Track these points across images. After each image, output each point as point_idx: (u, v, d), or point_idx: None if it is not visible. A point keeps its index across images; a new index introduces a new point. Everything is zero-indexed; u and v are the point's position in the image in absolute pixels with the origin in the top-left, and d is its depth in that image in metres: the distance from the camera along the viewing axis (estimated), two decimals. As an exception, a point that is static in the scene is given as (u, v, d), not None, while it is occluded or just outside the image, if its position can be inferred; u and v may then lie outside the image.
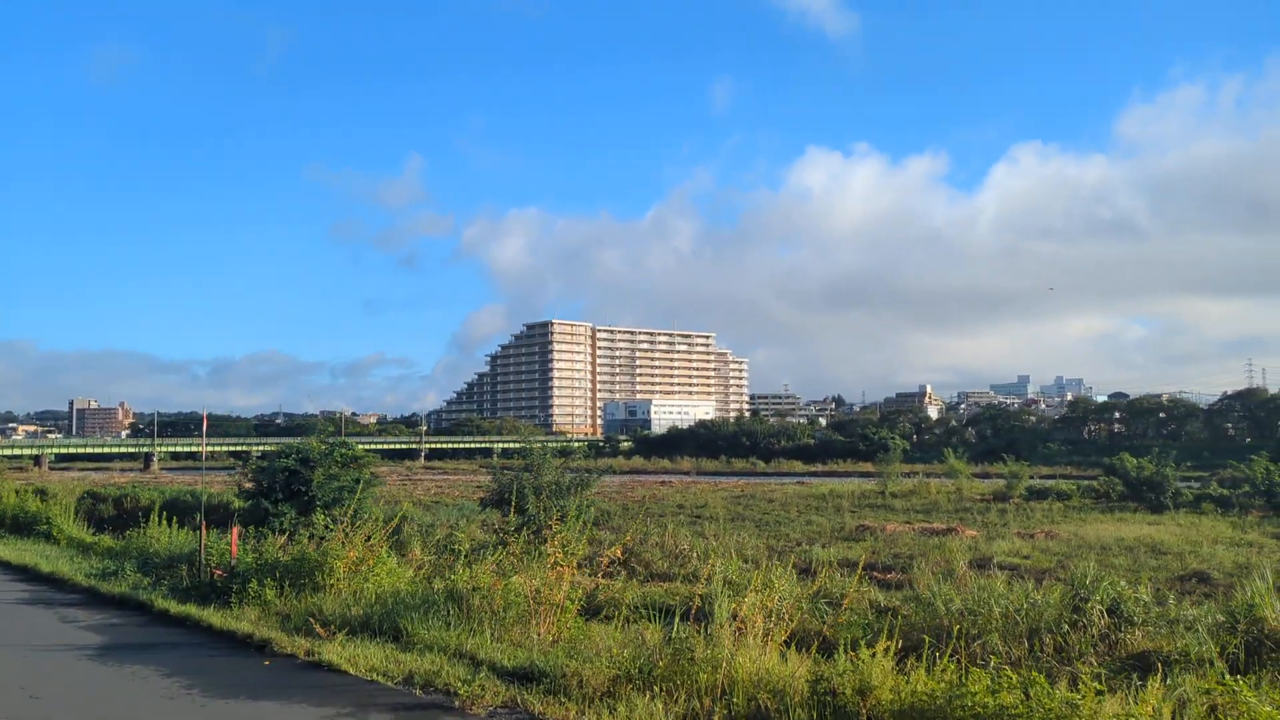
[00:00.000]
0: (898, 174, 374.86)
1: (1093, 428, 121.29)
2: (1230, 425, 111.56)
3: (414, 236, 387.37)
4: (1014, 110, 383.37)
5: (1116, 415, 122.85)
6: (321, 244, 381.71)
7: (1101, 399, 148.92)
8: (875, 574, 21.44)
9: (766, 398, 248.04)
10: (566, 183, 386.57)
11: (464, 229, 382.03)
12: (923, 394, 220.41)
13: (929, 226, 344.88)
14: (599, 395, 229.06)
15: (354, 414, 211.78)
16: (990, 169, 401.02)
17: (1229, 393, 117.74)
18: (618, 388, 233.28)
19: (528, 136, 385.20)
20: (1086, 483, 49.04)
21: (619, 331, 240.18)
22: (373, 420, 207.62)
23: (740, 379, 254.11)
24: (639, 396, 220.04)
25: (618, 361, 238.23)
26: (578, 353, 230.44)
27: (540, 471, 22.25)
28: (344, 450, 22.53)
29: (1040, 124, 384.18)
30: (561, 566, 9.72)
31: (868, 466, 76.62)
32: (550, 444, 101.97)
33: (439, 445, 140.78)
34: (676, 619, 9.34)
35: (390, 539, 20.53)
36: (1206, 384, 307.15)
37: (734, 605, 9.30)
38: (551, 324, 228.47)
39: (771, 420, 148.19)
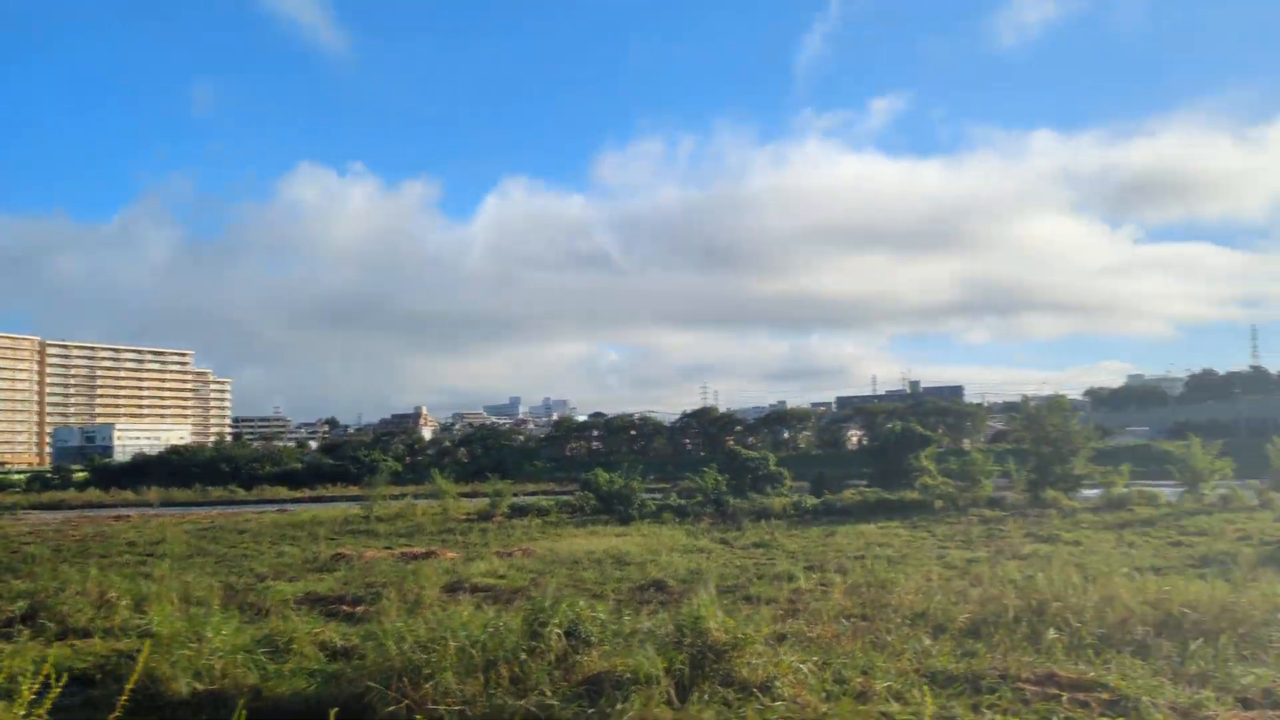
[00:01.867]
0: (394, 196, 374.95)
1: (575, 445, 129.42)
2: (689, 440, 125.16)
3: None
4: (504, 144, 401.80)
5: (595, 433, 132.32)
6: None
7: (583, 418, 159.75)
8: (344, 607, 19.80)
9: (253, 420, 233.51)
10: (6, 174, 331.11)
11: None
12: (418, 415, 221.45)
13: (425, 250, 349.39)
14: (49, 419, 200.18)
15: None
16: (483, 198, 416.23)
17: (687, 411, 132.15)
18: (74, 411, 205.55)
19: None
20: (565, 498, 51.24)
21: (76, 347, 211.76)
22: None
23: (222, 401, 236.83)
24: (100, 420, 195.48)
25: (74, 381, 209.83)
26: (21, 370, 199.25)
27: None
28: None
29: (528, 160, 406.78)
30: None
31: (358, 490, 74.33)
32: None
33: None
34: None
35: None
36: (671, 404, 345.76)
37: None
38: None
39: (256, 444, 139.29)
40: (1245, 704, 9.43)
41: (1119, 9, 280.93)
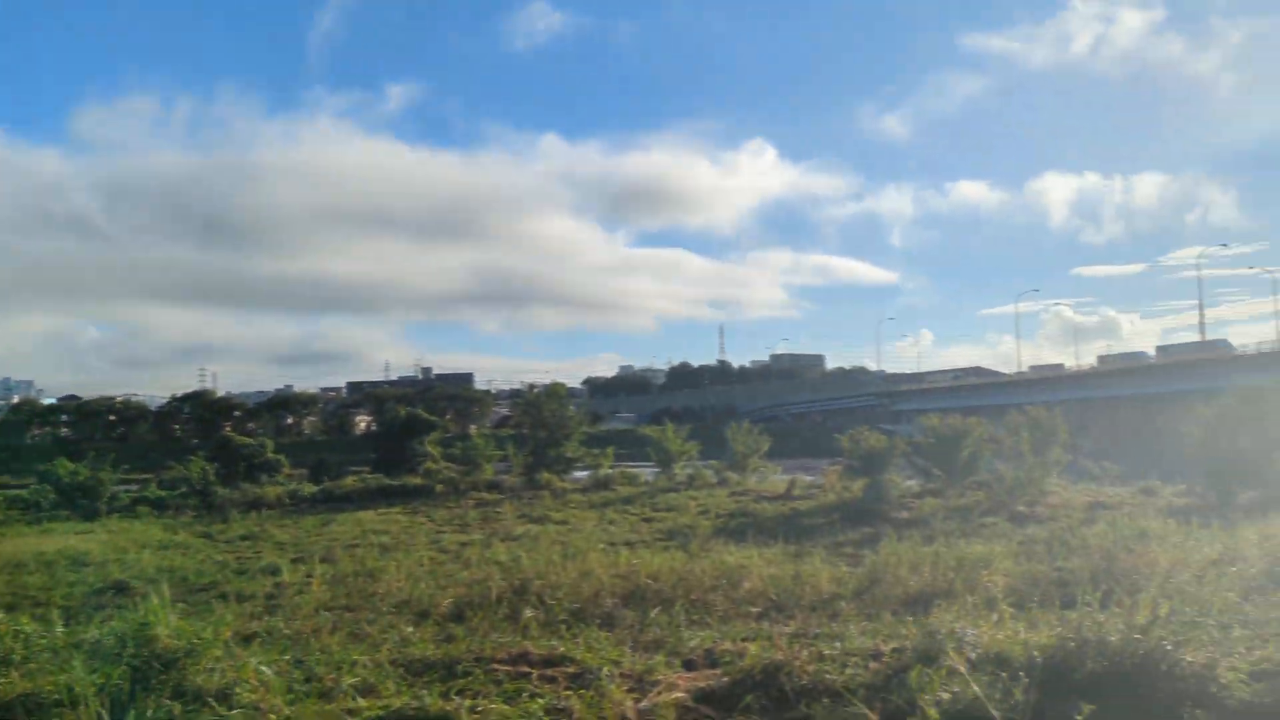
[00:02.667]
0: None
1: (38, 432, 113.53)
2: (179, 426, 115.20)
3: None
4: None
5: (65, 418, 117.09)
6: None
7: (51, 401, 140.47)
8: None
9: None
10: None
11: None
12: None
13: None
14: None
15: None
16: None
17: (178, 394, 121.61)
18: None
19: None
20: (18, 492, 44.44)
21: None
22: None
23: None
24: None
25: None
26: None
27: None
28: None
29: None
30: None
31: None
32: None
33: None
34: None
35: None
36: (162, 386, 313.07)
37: None
38: None
39: None
40: (689, 665, 10.23)
41: (618, 32, 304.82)
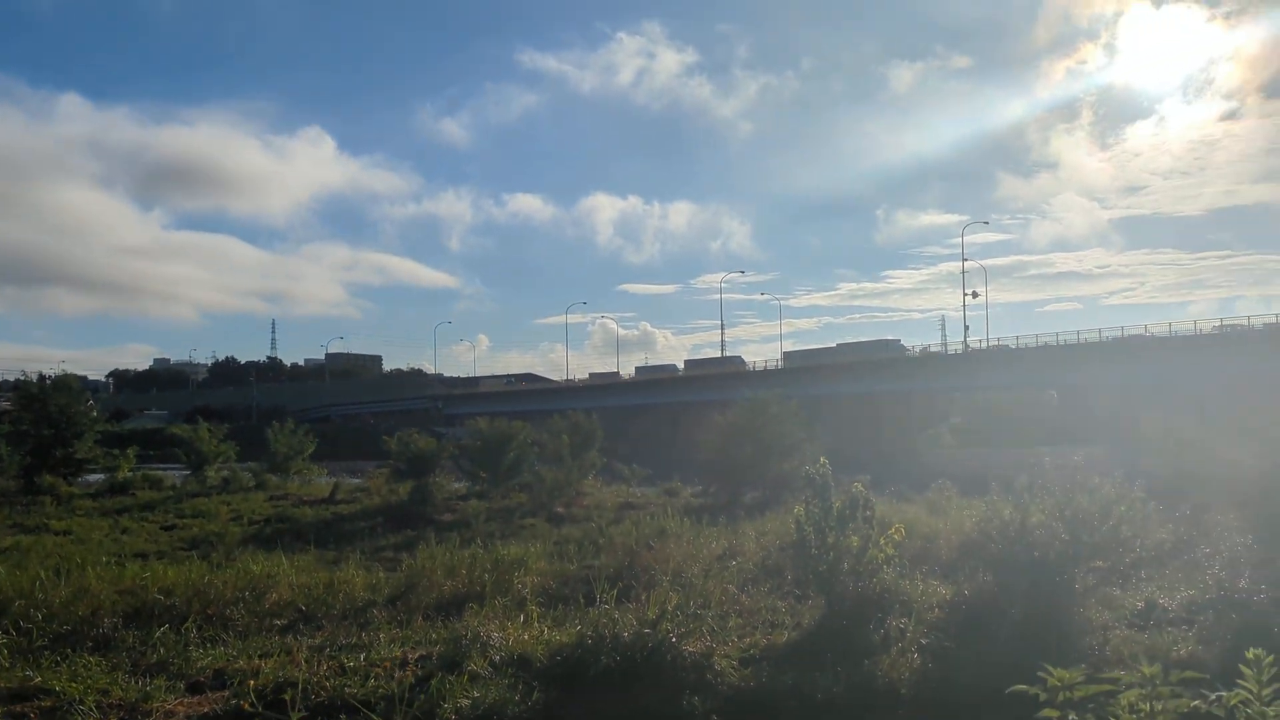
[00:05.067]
0: None
1: None
2: None
3: None
4: None
5: None
6: None
7: None
8: None
9: None
10: None
11: None
12: None
13: None
14: None
15: None
16: None
17: None
18: None
19: None
20: None
21: None
22: None
23: None
24: None
25: None
26: None
27: None
28: None
29: None
30: None
31: None
32: None
33: None
34: None
35: None
36: None
37: None
38: None
39: None
40: (195, 688, 9.31)
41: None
